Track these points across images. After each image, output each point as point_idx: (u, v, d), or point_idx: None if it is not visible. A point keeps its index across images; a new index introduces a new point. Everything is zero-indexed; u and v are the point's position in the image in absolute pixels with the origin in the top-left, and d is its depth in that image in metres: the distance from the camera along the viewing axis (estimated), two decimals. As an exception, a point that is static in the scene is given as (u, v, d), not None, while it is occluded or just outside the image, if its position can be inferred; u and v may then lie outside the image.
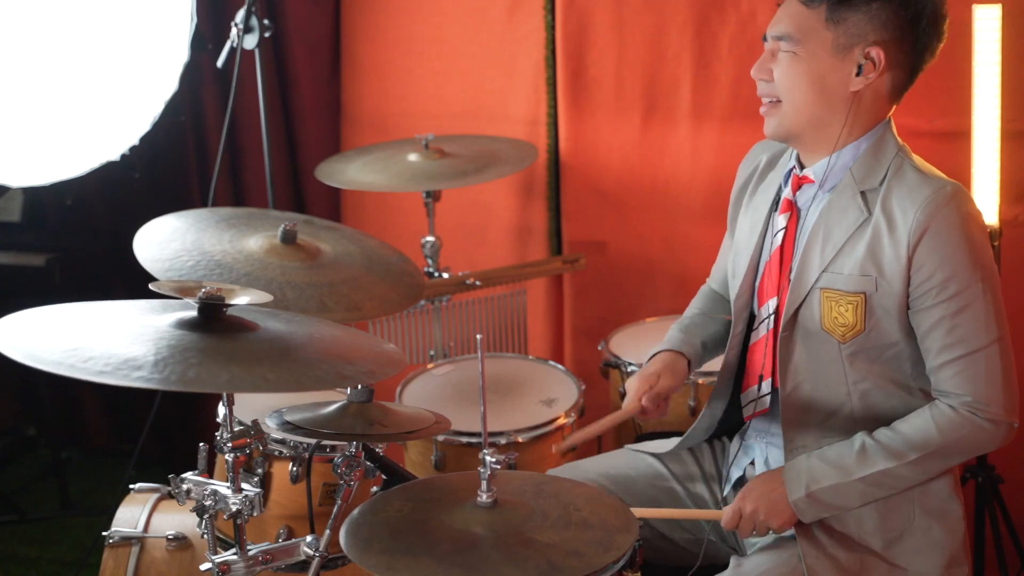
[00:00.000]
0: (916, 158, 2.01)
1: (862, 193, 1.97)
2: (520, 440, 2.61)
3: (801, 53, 1.97)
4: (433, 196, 3.15)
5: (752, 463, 2.18)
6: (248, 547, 1.91)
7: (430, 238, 3.16)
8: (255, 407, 2.30)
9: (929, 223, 1.90)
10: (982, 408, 1.93)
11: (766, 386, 2.09)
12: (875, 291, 1.95)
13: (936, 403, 1.97)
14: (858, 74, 1.95)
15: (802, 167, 2.06)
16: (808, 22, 1.96)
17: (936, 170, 2.00)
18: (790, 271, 2.05)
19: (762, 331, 2.10)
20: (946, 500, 2.04)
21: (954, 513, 2.04)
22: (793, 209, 2.07)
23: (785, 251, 2.06)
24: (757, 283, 2.13)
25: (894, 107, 2.03)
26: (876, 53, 1.94)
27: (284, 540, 2.23)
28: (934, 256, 1.90)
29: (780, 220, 2.08)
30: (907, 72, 1.99)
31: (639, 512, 2.08)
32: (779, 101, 2.01)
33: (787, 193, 2.08)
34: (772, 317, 2.07)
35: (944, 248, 1.90)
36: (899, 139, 2.02)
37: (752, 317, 2.15)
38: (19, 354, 1.63)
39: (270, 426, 1.96)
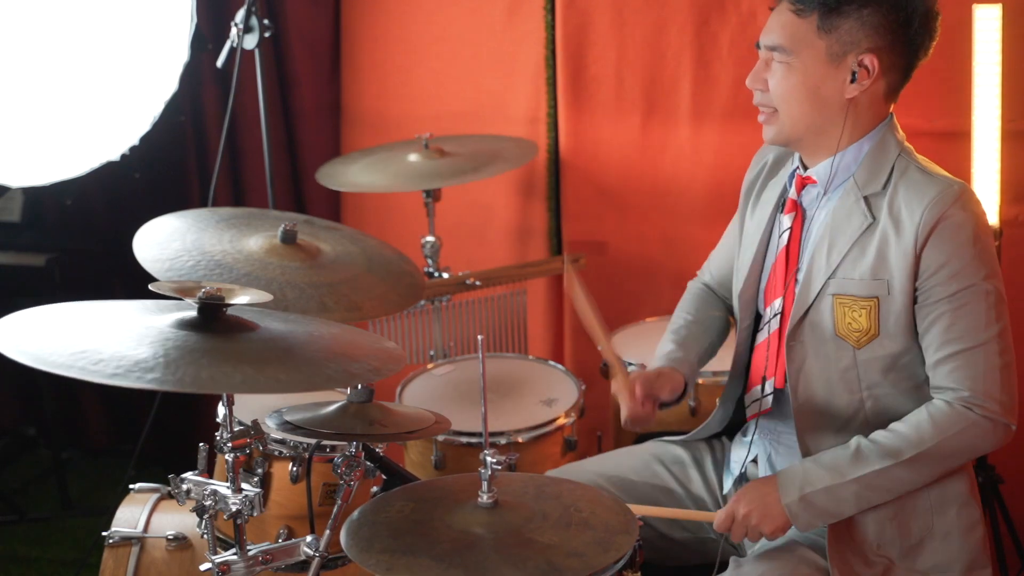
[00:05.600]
0: (920, 158, 2.01)
1: (866, 198, 1.97)
2: (520, 440, 2.60)
3: (794, 64, 1.97)
4: (433, 196, 3.15)
5: (754, 461, 2.18)
6: (248, 547, 1.91)
7: (430, 238, 3.16)
8: (255, 407, 2.30)
9: (936, 223, 1.90)
10: (979, 404, 1.92)
11: (768, 386, 2.09)
12: (888, 295, 1.94)
13: (932, 400, 1.96)
14: (852, 81, 1.95)
15: (805, 167, 2.07)
16: (800, 32, 1.96)
17: (941, 169, 2.00)
18: (796, 272, 2.05)
19: (766, 332, 2.10)
20: (963, 505, 2.02)
21: (972, 517, 2.02)
22: (798, 209, 2.08)
23: (791, 252, 2.07)
24: (763, 282, 2.13)
25: (892, 106, 2.03)
26: (870, 60, 1.94)
27: (284, 540, 2.23)
28: (940, 254, 1.90)
29: (785, 220, 2.09)
30: (901, 73, 1.99)
31: (633, 509, 2.09)
32: (776, 111, 2.01)
33: (791, 193, 2.09)
34: (777, 318, 2.06)
35: (949, 247, 1.90)
36: (901, 137, 2.02)
37: (758, 316, 2.15)
38: (26, 357, 1.62)
39: (270, 426, 1.96)
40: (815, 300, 2.00)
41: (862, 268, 1.96)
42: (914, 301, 1.94)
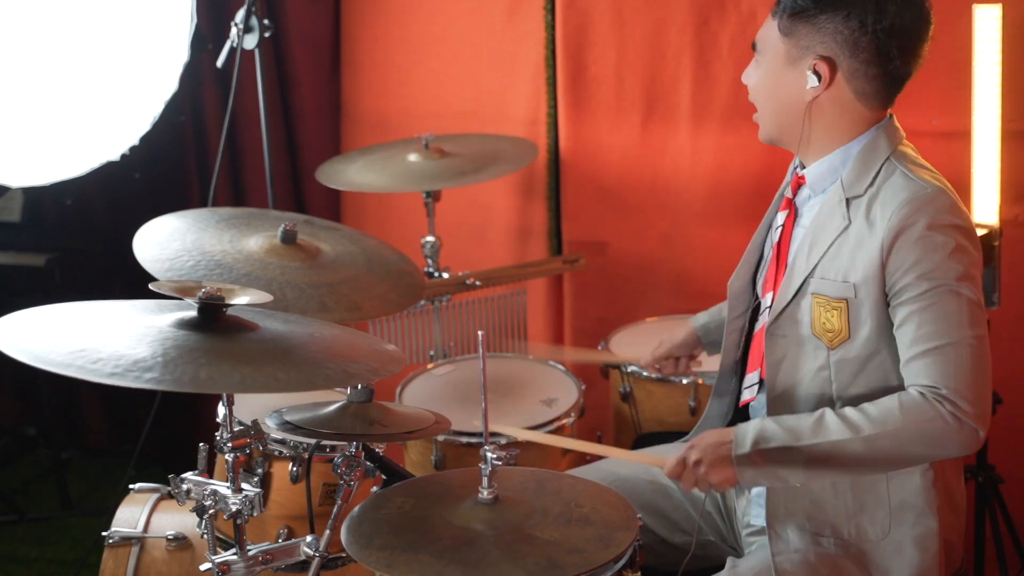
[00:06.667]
0: (912, 162, 1.99)
1: (847, 200, 1.98)
2: (520, 440, 2.60)
3: (762, 63, 2.04)
4: (433, 196, 3.15)
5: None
6: (248, 547, 1.91)
7: (430, 238, 3.16)
8: (255, 407, 2.30)
9: (903, 226, 1.89)
10: (950, 400, 1.87)
11: (754, 376, 2.11)
12: (855, 297, 1.95)
13: (907, 389, 1.92)
14: (809, 85, 1.98)
15: (803, 167, 2.08)
16: (770, 33, 2.03)
17: (928, 173, 1.97)
18: (786, 269, 2.06)
19: (760, 322, 2.12)
20: (920, 516, 2.00)
21: (927, 530, 2.00)
22: (791, 208, 2.10)
23: (782, 249, 2.09)
24: (761, 275, 2.15)
25: (885, 111, 2.02)
26: (821, 66, 1.96)
27: (284, 540, 2.23)
28: (908, 255, 1.89)
29: (779, 217, 2.12)
30: (875, 80, 1.97)
31: (578, 446, 2.18)
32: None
33: (788, 192, 2.11)
34: (768, 311, 2.08)
35: (919, 248, 1.89)
36: (898, 141, 2.01)
37: (757, 307, 2.16)
38: (25, 356, 1.62)
39: (270, 426, 1.96)
40: (795, 296, 2.01)
41: (836, 269, 1.97)
42: (886, 303, 1.94)
